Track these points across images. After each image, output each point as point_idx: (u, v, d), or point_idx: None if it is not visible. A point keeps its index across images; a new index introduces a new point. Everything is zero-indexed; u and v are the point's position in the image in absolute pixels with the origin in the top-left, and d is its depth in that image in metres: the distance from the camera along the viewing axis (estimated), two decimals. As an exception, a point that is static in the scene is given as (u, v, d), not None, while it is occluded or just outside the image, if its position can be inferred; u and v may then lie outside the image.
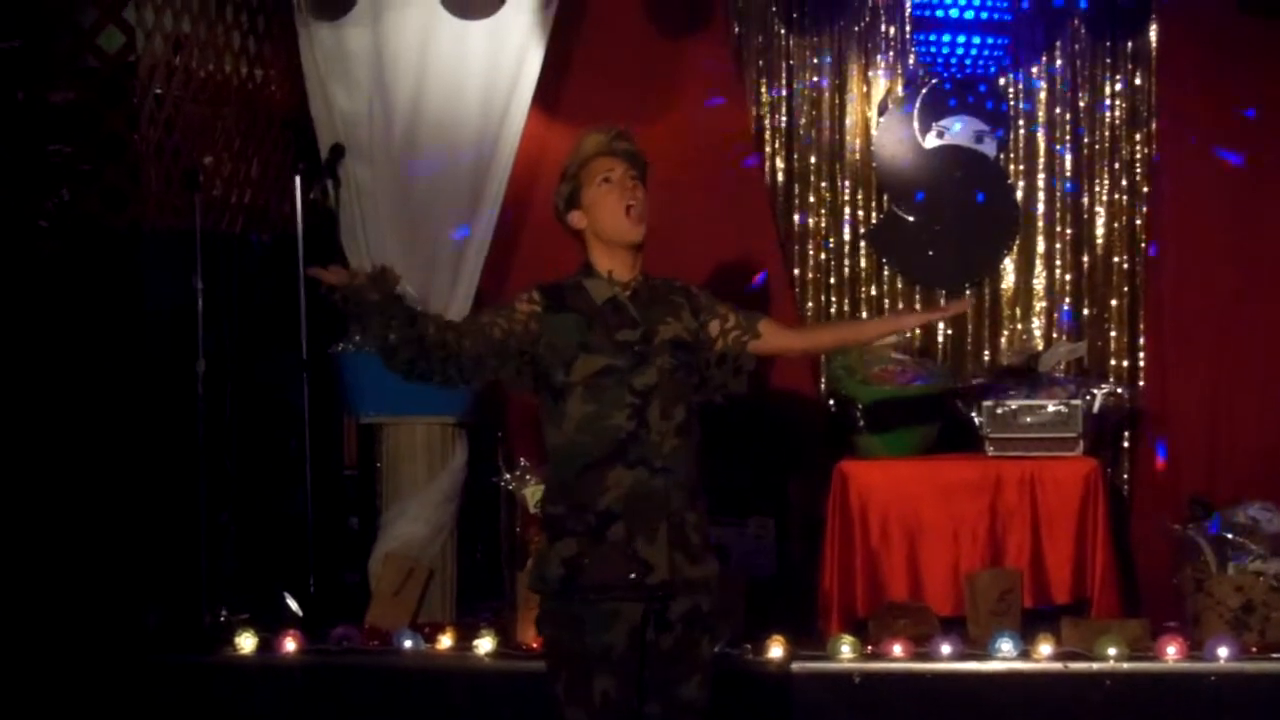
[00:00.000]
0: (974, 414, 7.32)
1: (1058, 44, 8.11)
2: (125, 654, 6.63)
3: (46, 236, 6.88)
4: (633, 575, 5.09)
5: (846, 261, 8.21)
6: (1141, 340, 8.02)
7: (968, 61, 8.00)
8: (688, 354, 5.27)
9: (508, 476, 7.01)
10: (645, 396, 5.15)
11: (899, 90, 8.15)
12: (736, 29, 8.17)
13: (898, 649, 6.61)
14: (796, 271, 8.17)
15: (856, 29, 8.17)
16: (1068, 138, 8.12)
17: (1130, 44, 8.07)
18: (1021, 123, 8.14)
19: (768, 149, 8.21)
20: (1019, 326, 8.08)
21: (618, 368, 5.17)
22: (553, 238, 7.70)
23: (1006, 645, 6.55)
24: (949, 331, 8.13)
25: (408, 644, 6.79)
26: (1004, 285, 8.14)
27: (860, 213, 8.21)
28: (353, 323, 5.22)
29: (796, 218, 8.21)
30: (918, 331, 8.03)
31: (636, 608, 5.12)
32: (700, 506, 5.26)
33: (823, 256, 8.21)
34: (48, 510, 6.78)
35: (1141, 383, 7.98)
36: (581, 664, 5.11)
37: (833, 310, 8.18)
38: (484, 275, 7.50)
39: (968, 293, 5.20)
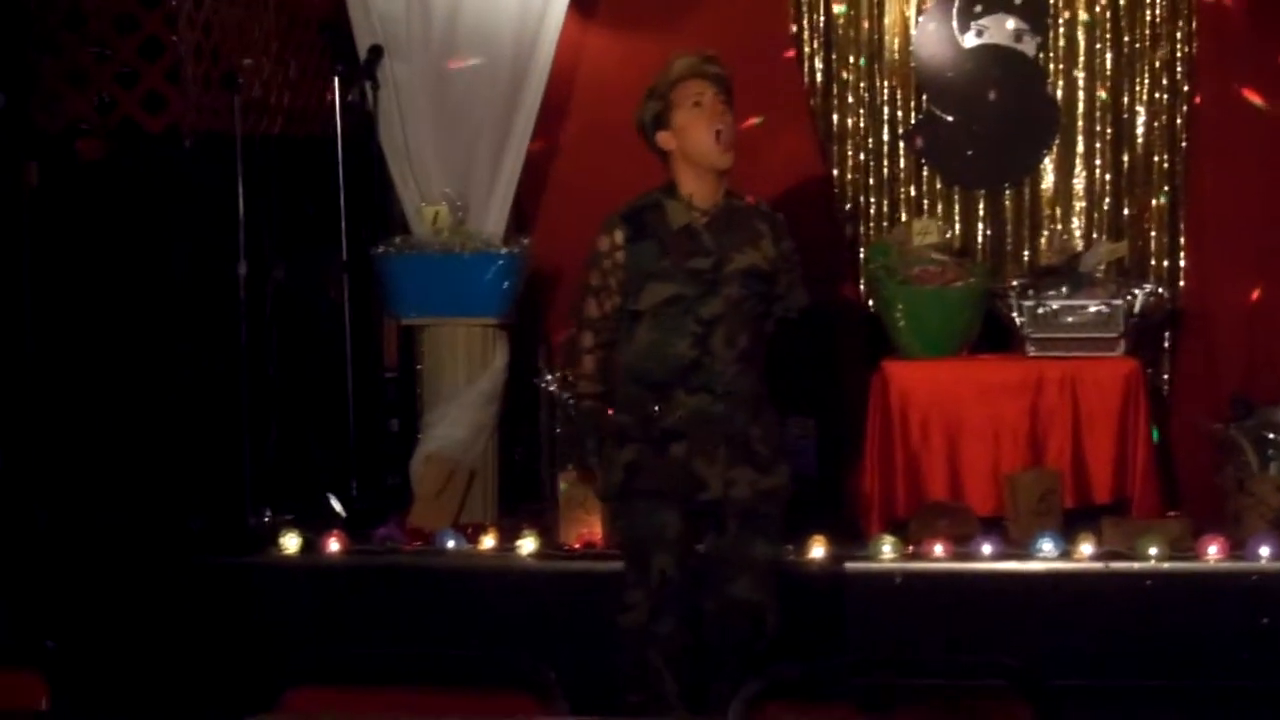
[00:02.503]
0: (1014, 314, 7.28)
1: (1097, -61, 8.01)
2: (171, 556, 6.68)
3: (87, 139, 6.87)
4: (692, 494, 5.34)
5: (885, 162, 8.13)
6: (1182, 240, 7.94)
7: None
8: (761, 283, 5.41)
9: (549, 378, 7.04)
10: (710, 325, 5.31)
11: (938, -13, 8.07)
12: (776, -74, 8.07)
13: (938, 549, 6.59)
14: (836, 172, 8.10)
15: (895, -75, 8.07)
16: (1108, 35, 7.99)
17: (1170, -63, 7.98)
18: (1061, 21, 8.02)
19: (806, 49, 8.12)
20: (1059, 226, 7.99)
21: (685, 296, 5.32)
22: (592, 140, 7.78)
23: (1047, 545, 6.54)
24: (988, 232, 8.08)
25: (450, 544, 6.80)
26: (1044, 185, 8.06)
27: (899, 113, 8.12)
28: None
29: (835, 119, 8.13)
30: (957, 231, 8.01)
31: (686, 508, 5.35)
32: (766, 418, 5.45)
33: (862, 157, 8.12)
34: (93, 416, 6.81)
35: (1182, 283, 7.91)
36: (641, 546, 5.37)
37: (872, 210, 8.11)
38: (522, 177, 7.47)
39: None
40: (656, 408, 5.35)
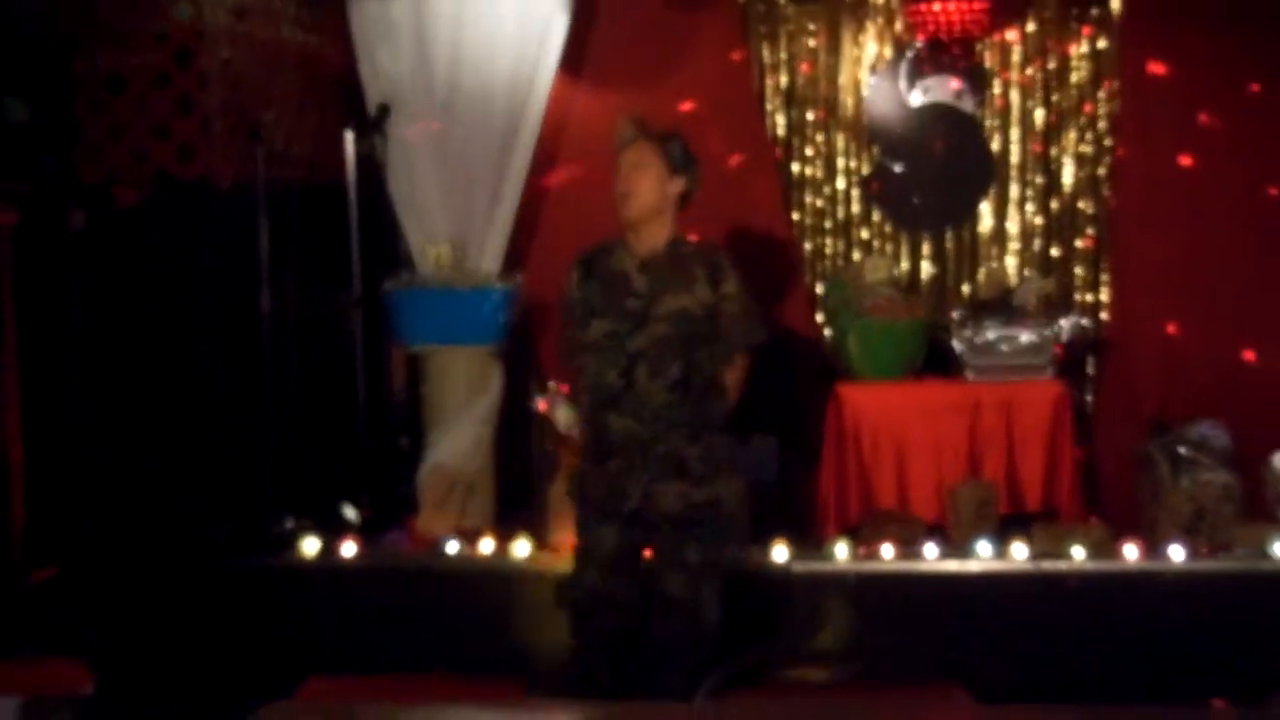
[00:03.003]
0: (955, 343, 7.36)
1: (1030, 9, 8.04)
2: (201, 560, 6.70)
3: (125, 187, 6.89)
4: (620, 507, 5.46)
5: (840, 207, 8.19)
6: (1105, 277, 7.99)
7: (950, 26, 7.95)
8: (692, 323, 5.45)
9: (539, 399, 7.05)
10: (635, 359, 5.41)
11: (887, 52, 8.12)
12: (742, -2, 8.14)
13: (888, 552, 6.67)
14: (796, 216, 8.16)
15: (849, -2, 8.14)
16: (1039, 95, 8.07)
17: (1095, 10, 8.01)
18: (998, 82, 8.10)
19: (769, 106, 8.18)
20: (995, 264, 8.06)
21: (618, 332, 5.45)
22: (578, 186, 7.83)
23: (984, 548, 6.62)
24: (932, 269, 8.13)
25: (451, 548, 6.86)
26: (981, 228, 8.12)
27: (853, 164, 8.18)
28: None
29: (795, 167, 8.18)
30: (905, 268, 8.06)
31: (622, 523, 5.49)
32: (707, 439, 5.49)
33: (819, 203, 8.18)
34: (130, 434, 6.82)
35: (1105, 315, 7.96)
36: (579, 555, 5.59)
37: (828, 250, 8.17)
38: (516, 220, 7.53)
39: None
40: (599, 429, 5.52)
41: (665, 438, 5.42)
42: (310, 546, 6.83)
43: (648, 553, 5.56)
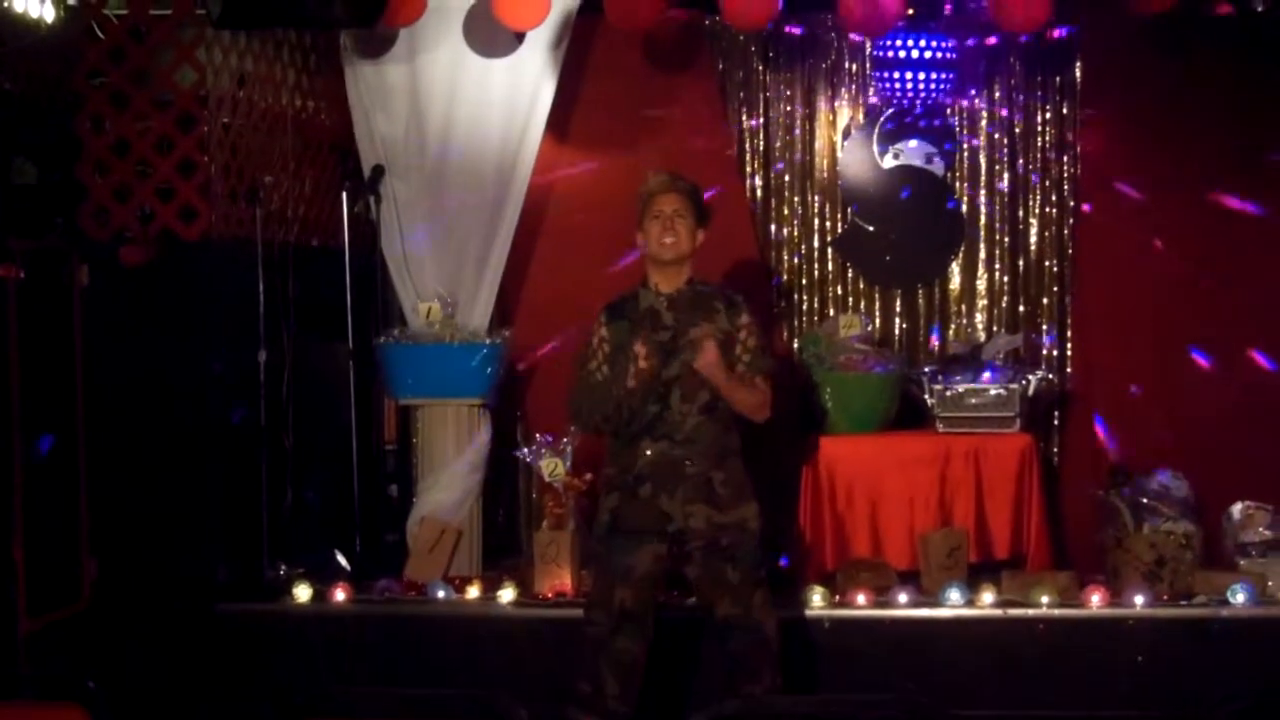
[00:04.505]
0: (926, 396, 7.31)
1: (996, 78, 8.02)
2: (198, 604, 6.64)
3: (130, 245, 6.86)
4: (663, 527, 5.55)
5: (816, 266, 8.15)
6: (1069, 333, 7.96)
7: (920, 94, 7.96)
8: (717, 349, 5.57)
9: (525, 450, 7.02)
10: (669, 385, 5.56)
11: (860, 118, 8.10)
12: (720, 66, 8.09)
13: (861, 599, 6.62)
14: (773, 273, 8.10)
15: (824, 66, 8.07)
16: (1004, 158, 8.05)
17: (1058, 78, 8.00)
18: (965, 146, 8.07)
19: (748, 169, 8.14)
20: (964, 321, 8.03)
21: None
22: (562, 243, 7.80)
23: (954, 595, 6.56)
24: (904, 325, 8.09)
25: (440, 594, 6.80)
26: (951, 285, 8.08)
27: (828, 224, 8.14)
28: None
29: (773, 228, 8.14)
30: (878, 324, 8.02)
31: (661, 545, 5.59)
32: (730, 464, 5.65)
33: (796, 261, 8.14)
34: (132, 482, 6.77)
35: (1069, 370, 7.93)
36: (609, 578, 5.62)
37: (804, 307, 8.12)
38: (505, 275, 7.46)
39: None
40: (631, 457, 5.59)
41: (695, 460, 5.56)
42: (303, 592, 6.76)
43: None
